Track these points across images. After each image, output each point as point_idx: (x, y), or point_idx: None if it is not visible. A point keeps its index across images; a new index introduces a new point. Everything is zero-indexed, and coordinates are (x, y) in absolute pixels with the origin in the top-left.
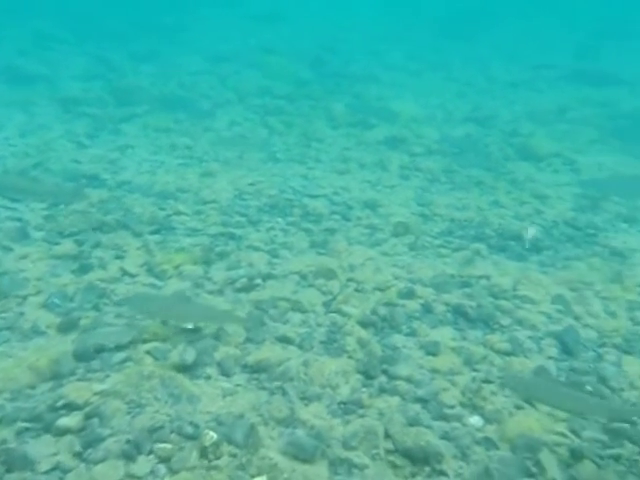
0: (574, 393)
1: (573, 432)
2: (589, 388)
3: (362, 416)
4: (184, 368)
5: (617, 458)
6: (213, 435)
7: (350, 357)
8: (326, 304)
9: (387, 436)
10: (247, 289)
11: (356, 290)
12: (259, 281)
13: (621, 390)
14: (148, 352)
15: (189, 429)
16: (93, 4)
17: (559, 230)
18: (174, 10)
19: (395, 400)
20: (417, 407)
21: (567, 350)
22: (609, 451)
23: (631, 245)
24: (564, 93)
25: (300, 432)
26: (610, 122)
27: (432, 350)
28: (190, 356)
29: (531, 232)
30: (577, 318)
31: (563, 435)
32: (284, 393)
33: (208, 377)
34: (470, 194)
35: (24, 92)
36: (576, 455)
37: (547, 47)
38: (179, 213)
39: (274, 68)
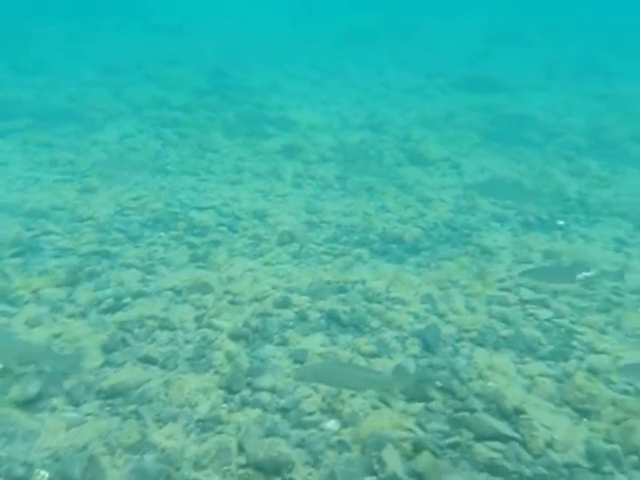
0: (351, 370)
1: (419, 425)
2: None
3: (219, 433)
4: (25, 402)
5: (454, 446)
6: (44, 474)
7: (216, 372)
8: (198, 319)
9: (241, 450)
10: (113, 309)
11: (231, 302)
12: (128, 300)
13: (469, 381)
14: None
15: (20, 470)
16: None
17: (438, 231)
18: (66, 19)
19: (256, 412)
20: (277, 417)
21: (428, 347)
22: (448, 440)
23: (500, 243)
24: (453, 99)
25: (149, 457)
26: (492, 126)
27: (300, 358)
28: (34, 388)
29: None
30: (441, 315)
31: (410, 430)
32: (138, 417)
33: (53, 409)
34: (359, 200)
35: None
36: (417, 448)
37: (442, 55)
38: (49, 233)
39: (173, 79)
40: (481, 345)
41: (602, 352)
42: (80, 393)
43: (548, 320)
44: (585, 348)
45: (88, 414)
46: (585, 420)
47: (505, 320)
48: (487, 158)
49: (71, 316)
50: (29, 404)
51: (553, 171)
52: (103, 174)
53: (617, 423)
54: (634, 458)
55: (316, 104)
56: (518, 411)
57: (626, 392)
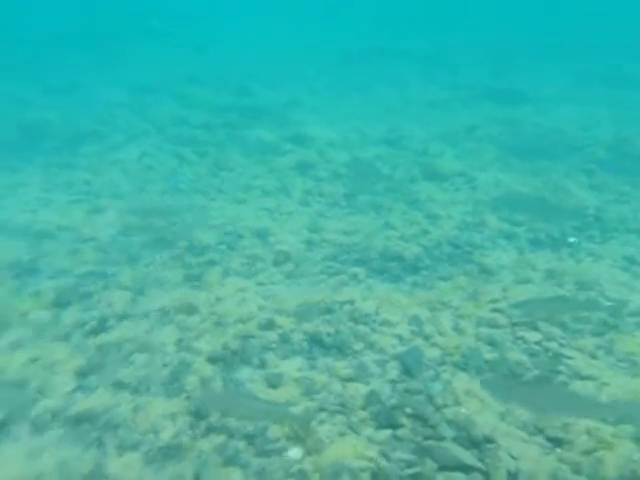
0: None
1: (383, 455)
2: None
3: (179, 461)
4: None
5: (416, 477)
6: None
7: (188, 397)
8: (179, 342)
9: None
10: (96, 332)
11: (215, 324)
12: (112, 322)
13: (444, 407)
14: None
15: None
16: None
17: (440, 250)
18: (98, 41)
19: (220, 439)
20: (241, 444)
21: (407, 371)
22: (410, 470)
23: (502, 262)
24: (475, 112)
25: None
26: (513, 139)
27: (274, 382)
28: None
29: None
30: (427, 338)
31: (372, 460)
32: (100, 445)
33: (16, 438)
34: (365, 217)
35: None
36: (376, 478)
37: (466, 67)
38: (50, 254)
39: (196, 97)
40: (463, 369)
41: (587, 378)
42: (45, 420)
43: (537, 343)
44: (571, 373)
45: (50, 442)
46: (558, 450)
47: (492, 343)
48: (503, 172)
49: (53, 339)
50: None
51: (571, 186)
52: (116, 194)
53: (588, 454)
54: None
55: (336, 119)
56: (487, 439)
57: (604, 421)
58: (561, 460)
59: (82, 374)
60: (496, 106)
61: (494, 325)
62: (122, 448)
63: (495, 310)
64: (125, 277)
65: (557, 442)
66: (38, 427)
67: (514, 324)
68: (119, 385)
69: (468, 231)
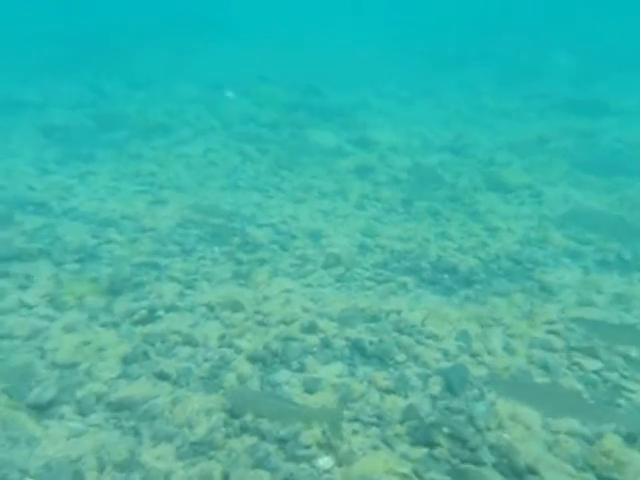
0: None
1: (416, 473)
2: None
3: (209, 458)
4: (36, 408)
5: None
6: None
7: (224, 394)
8: (221, 338)
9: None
10: (144, 322)
11: (258, 323)
12: (161, 313)
13: (487, 430)
14: (5, 391)
15: (15, 476)
16: (96, 39)
17: (498, 264)
18: (172, 38)
19: (252, 440)
20: (272, 447)
21: (450, 388)
22: None
23: (565, 281)
24: (550, 123)
25: (134, 477)
26: (588, 153)
27: (312, 387)
28: (49, 394)
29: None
30: (474, 355)
31: (404, 476)
32: (137, 433)
33: (61, 417)
34: (421, 225)
35: (9, 119)
36: None
37: (545, 76)
38: (111, 241)
39: (266, 96)
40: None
41: None
42: (90, 403)
43: (595, 372)
44: (632, 408)
45: (91, 425)
46: None
47: (545, 367)
48: (574, 188)
49: (104, 325)
50: (40, 410)
51: None
52: (179, 187)
53: None
54: None
55: (401, 124)
56: (530, 470)
57: None
58: None
59: (127, 362)
60: (574, 117)
61: (549, 348)
62: (157, 439)
63: (551, 332)
64: (177, 270)
65: None
66: (82, 409)
67: (571, 349)
68: (160, 376)
69: (530, 247)
